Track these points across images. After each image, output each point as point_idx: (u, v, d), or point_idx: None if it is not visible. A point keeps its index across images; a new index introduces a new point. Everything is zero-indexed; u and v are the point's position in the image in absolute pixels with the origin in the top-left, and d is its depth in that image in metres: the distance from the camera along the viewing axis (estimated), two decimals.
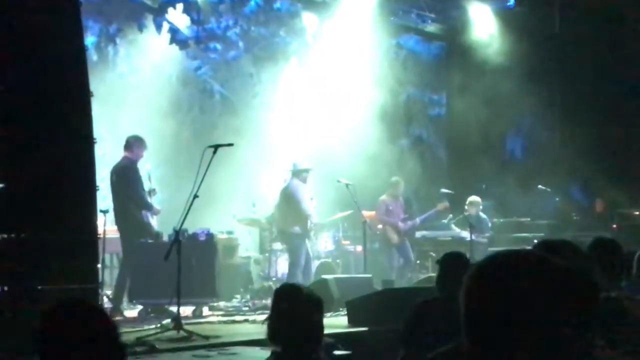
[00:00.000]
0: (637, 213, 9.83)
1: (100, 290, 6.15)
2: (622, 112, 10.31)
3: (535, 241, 10.20)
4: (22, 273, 4.29)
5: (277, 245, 9.09)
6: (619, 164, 10.25)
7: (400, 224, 9.47)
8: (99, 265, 6.07)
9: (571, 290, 1.09)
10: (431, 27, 12.45)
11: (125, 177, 7.40)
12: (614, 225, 9.70)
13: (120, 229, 7.41)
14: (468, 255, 5.36)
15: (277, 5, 10.67)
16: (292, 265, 8.42)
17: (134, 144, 7.38)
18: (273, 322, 2.76)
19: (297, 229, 8.53)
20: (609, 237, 4.59)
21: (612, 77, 10.07)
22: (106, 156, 8.05)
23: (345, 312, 6.65)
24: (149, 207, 7.52)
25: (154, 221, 7.82)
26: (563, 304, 1.06)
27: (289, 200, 8.73)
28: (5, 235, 4.34)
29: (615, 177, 9.96)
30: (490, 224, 9.88)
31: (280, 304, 2.76)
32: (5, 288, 4.39)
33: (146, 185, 7.68)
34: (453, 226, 9.90)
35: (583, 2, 10.64)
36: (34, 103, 4.52)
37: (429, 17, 11.98)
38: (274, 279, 8.82)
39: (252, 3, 10.55)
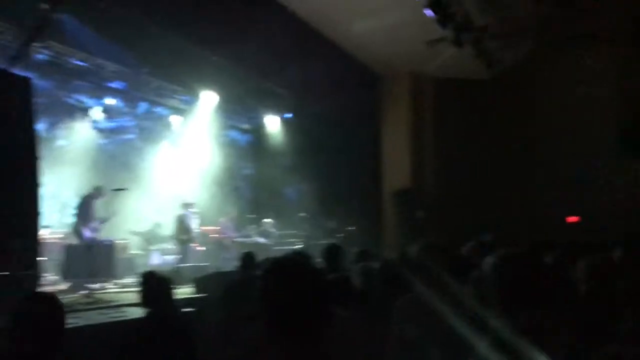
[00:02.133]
0: (352, 228, 13.24)
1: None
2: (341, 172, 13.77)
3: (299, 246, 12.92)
4: None
5: (153, 247, 12.05)
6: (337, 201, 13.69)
7: (232, 235, 12.89)
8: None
9: (297, 276, 1.65)
10: (245, 125, 16.62)
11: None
12: (340, 235, 12.89)
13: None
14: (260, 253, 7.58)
15: (157, 110, 14.44)
16: (181, 259, 11.23)
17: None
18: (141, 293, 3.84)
19: (185, 237, 11.42)
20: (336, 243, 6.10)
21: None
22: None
23: (194, 285, 8.64)
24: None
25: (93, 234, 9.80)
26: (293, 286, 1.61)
27: (181, 221, 11.48)
28: None
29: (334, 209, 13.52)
30: (275, 234, 13.37)
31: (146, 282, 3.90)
32: None
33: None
34: (254, 235, 13.17)
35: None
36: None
37: (244, 119, 16.35)
38: (149, 266, 10.93)
39: (142, 108, 14.21)
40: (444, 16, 9.03)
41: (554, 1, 10.01)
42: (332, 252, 4.81)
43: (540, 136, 12.56)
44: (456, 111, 12.67)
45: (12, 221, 6.40)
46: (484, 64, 11.05)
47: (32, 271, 6.70)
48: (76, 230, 9.92)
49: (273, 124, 15.94)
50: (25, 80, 6.83)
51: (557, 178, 12.12)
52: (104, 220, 10.28)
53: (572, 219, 12.28)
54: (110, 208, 10.70)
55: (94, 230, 10.01)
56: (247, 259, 5.76)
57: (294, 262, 1.75)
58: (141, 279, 4.02)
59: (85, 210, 9.95)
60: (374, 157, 13.36)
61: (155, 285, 3.98)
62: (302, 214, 14.12)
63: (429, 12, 8.75)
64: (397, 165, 12.83)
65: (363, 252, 5.54)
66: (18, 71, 7.83)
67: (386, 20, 9.89)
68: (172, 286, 4.02)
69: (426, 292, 2.66)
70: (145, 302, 3.91)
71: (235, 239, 13.01)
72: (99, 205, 10.26)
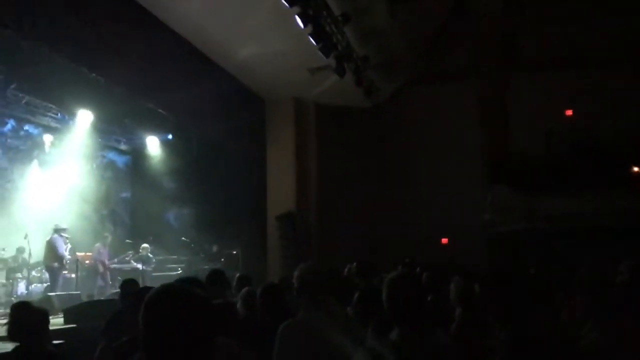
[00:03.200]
0: (235, 252, 13.12)
1: None
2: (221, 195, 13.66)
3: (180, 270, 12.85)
4: None
5: (18, 275, 11.06)
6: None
7: (106, 261, 12.14)
8: None
9: (183, 304, 1.58)
10: (123, 147, 15.82)
11: None
12: (222, 259, 12.85)
13: None
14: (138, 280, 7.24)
15: (26, 128, 13.46)
16: (50, 287, 10.53)
17: None
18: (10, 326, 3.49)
19: (56, 264, 10.67)
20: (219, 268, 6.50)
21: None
22: None
23: (63, 315, 8.05)
24: None
25: None
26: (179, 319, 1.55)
27: (52, 247, 10.74)
28: None
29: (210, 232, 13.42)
30: (154, 260, 12.81)
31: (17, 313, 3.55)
32: None
33: None
34: (132, 261, 12.68)
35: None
36: None
37: (122, 140, 15.55)
38: (14, 296, 10.51)
39: (9, 126, 13.13)
40: (326, 45, 9.35)
41: (426, 40, 10.79)
42: (215, 278, 4.64)
43: (415, 162, 13.32)
44: (337, 137, 13.17)
45: None
46: (363, 93, 11.55)
47: None
48: None
49: (153, 146, 15.44)
50: None
51: (430, 202, 12.90)
52: None
53: (444, 240, 13.07)
54: None
55: None
56: (128, 286, 5.37)
57: (178, 290, 1.69)
58: (11, 311, 3.71)
59: None
60: (257, 180, 13.38)
61: (25, 317, 3.64)
62: (183, 239, 13.74)
63: (312, 41, 9.01)
64: (281, 189, 13.00)
65: (244, 277, 5.50)
66: None
67: (271, 47, 10.06)
68: (45, 318, 3.73)
69: (308, 316, 2.62)
70: (13, 335, 3.57)
71: (111, 265, 12.43)
72: None
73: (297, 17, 8.45)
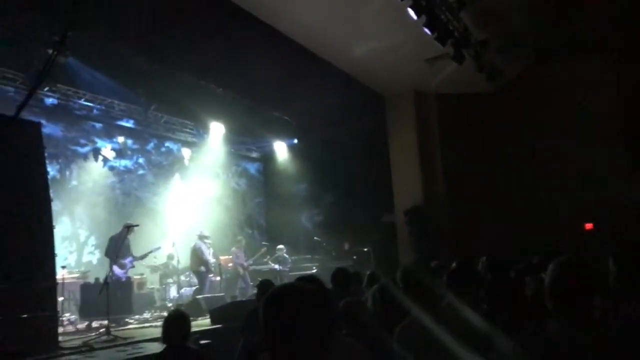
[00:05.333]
0: (366, 249, 13.19)
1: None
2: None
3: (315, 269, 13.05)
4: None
5: (169, 280, 11.89)
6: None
7: (244, 263, 12.66)
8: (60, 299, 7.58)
9: (312, 304, 1.64)
10: (254, 154, 16.71)
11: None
12: (354, 257, 13.14)
13: None
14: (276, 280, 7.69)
15: (167, 144, 14.54)
16: (198, 290, 11.08)
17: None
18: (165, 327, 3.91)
19: (202, 268, 11.27)
20: (344, 266, 5.84)
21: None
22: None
23: (209, 316, 8.51)
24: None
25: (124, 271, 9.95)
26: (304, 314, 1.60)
27: (197, 253, 11.35)
28: None
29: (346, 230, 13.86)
30: (290, 260, 13.14)
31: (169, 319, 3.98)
32: None
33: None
34: (269, 262, 13.08)
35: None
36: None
37: (252, 148, 16.52)
38: (167, 299, 11.42)
39: (152, 144, 14.31)
40: (442, 33, 9.06)
41: (549, 12, 10.02)
42: (340, 277, 4.73)
43: (546, 145, 12.40)
44: (461, 126, 12.67)
45: (30, 264, 6.37)
46: (485, 78, 11.03)
47: (51, 312, 6.67)
48: (108, 267, 9.99)
49: (281, 151, 16.22)
50: (35, 125, 6.97)
51: (566, 186, 11.91)
52: (138, 259, 10.63)
53: (589, 226, 12.05)
54: (138, 246, 10.82)
55: (126, 267, 10.21)
56: (264, 286, 5.62)
57: (292, 288, 1.76)
58: (166, 319, 4.14)
59: (115, 248, 9.96)
60: (383, 176, 13.25)
61: (172, 320, 4.09)
62: (315, 239, 14.06)
63: (427, 31, 8.77)
64: (407, 183, 12.76)
65: (373, 274, 5.46)
66: (28, 116, 7.92)
67: (386, 41, 9.96)
68: (189, 322, 4.13)
69: (425, 316, 2.54)
70: (164, 337, 4.00)
71: (250, 267, 12.99)
72: (129, 243, 10.40)
73: (409, 9, 8.24)
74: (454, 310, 2.66)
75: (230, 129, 14.57)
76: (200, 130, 14.73)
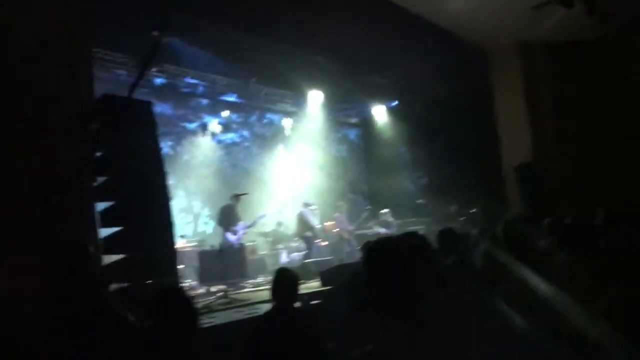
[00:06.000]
0: (474, 210, 12.98)
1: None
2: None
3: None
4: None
5: (279, 246, 12.59)
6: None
7: (349, 228, 13.03)
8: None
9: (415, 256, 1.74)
10: (353, 120, 16.85)
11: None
12: (462, 218, 12.89)
13: None
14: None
15: (268, 116, 15.06)
16: (306, 255, 11.59)
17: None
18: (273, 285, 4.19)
19: (309, 234, 11.84)
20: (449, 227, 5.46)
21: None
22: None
23: (319, 279, 8.89)
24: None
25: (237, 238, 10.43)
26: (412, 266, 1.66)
27: (303, 219, 11.91)
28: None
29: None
30: (394, 224, 13.11)
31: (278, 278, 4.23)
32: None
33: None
34: (374, 227, 13.16)
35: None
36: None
37: (351, 114, 16.62)
38: (278, 265, 11.54)
39: (254, 117, 14.93)
40: None
41: None
42: (446, 236, 4.68)
43: None
44: (570, 75, 11.75)
45: (152, 234, 6.71)
46: (596, 22, 10.12)
47: (173, 278, 6.95)
48: (221, 235, 10.62)
49: (380, 115, 16.06)
50: (147, 104, 7.29)
51: None
52: (250, 226, 11.04)
53: None
54: (247, 215, 11.31)
55: (238, 235, 10.62)
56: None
57: (391, 241, 1.82)
58: (272, 276, 4.33)
59: (226, 217, 10.56)
60: (489, 134, 12.78)
61: (281, 280, 4.28)
62: (419, 201, 14.08)
63: None
64: (515, 140, 12.20)
65: (482, 233, 5.34)
66: (139, 97, 8.43)
67: None
68: (298, 281, 4.32)
69: (529, 272, 2.44)
70: (274, 296, 4.22)
71: (355, 231, 13.15)
72: (239, 212, 10.86)
73: None
74: (563, 266, 2.53)
75: (329, 97, 14.66)
76: (300, 100, 14.95)
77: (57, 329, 3.48)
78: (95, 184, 6.05)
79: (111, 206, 6.24)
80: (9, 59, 3.93)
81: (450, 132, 13.78)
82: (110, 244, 6.04)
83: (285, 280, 4.19)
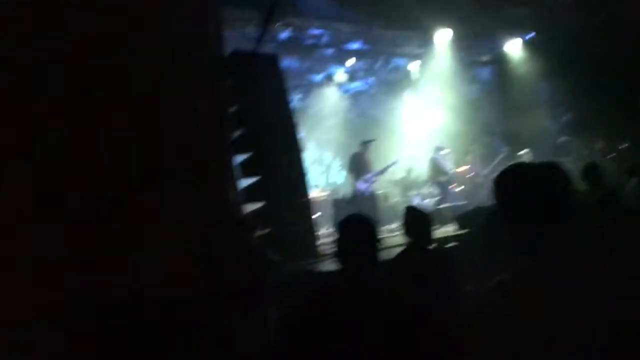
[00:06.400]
0: (625, 146, 12.14)
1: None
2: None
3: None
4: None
5: (412, 192, 12.78)
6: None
7: (484, 171, 12.86)
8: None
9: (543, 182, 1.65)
10: (485, 57, 16.09)
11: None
12: (612, 154, 12.17)
13: None
14: None
15: (394, 60, 14.84)
16: (440, 200, 11.72)
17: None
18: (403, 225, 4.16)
19: (442, 179, 11.82)
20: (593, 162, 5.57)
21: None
22: None
23: (456, 222, 8.85)
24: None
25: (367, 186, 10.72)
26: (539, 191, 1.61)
27: (436, 164, 11.94)
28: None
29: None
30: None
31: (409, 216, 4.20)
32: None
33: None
34: None
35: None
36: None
37: (483, 51, 15.71)
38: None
39: (379, 63, 14.80)
40: None
41: None
42: (591, 171, 4.59)
43: None
44: None
45: (286, 183, 7.12)
46: None
47: (308, 225, 7.35)
48: (352, 184, 10.88)
49: (515, 49, 15.04)
50: (273, 58, 7.60)
51: None
52: (380, 173, 11.14)
53: None
54: (377, 162, 11.45)
55: (368, 182, 10.80)
56: None
57: (523, 165, 1.77)
58: (404, 213, 4.31)
59: (356, 165, 10.80)
60: (636, 63, 11.54)
61: (412, 218, 4.24)
62: (562, 139, 13.33)
63: None
64: None
65: (634, 167, 4.96)
66: (266, 51, 8.66)
67: None
68: (430, 218, 4.24)
69: None
70: (406, 232, 4.20)
71: (490, 175, 12.71)
72: (369, 159, 11.03)
73: None
74: None
75: (458, 34, 13.89)
76: (427, 41, 14.30)
77: (209, 273, 3.79)
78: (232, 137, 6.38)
79: (249, 157, 6.57)
80: (151, 20, 4.22)
81: (595, 63, 12.67)
82: (250, 193, 6.47)
83: (416, 218, 4.15)
